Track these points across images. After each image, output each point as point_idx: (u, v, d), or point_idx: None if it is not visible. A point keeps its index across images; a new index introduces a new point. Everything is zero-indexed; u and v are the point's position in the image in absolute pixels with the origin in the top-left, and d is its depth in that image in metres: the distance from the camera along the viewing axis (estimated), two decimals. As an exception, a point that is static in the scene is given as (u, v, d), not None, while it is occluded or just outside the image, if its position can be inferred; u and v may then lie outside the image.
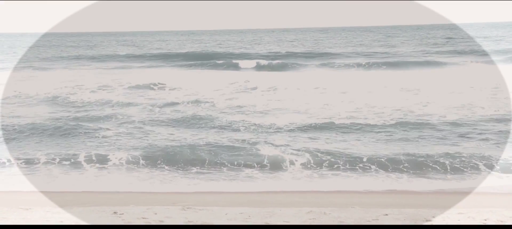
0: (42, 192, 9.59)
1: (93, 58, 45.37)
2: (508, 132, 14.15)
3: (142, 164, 11.79)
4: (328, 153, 12.46)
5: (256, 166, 11.59)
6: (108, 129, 15.19)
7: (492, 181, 10.44)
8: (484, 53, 37.09)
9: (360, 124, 15.65)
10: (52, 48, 62.20)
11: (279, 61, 36.50)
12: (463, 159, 11.62)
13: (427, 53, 40.03)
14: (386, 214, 7.38)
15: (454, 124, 15.23)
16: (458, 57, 35.63)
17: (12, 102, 21.14)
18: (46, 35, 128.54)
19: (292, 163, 11.76)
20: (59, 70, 35.22)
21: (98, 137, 14.22)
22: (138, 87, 24.56)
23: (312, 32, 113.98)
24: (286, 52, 44.35)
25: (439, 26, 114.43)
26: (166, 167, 11.56)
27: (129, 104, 20.04)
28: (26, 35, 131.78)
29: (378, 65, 33.20)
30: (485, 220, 7.02)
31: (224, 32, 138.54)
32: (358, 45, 56.94)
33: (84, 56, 47.16)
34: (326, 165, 11.57)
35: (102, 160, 11.98)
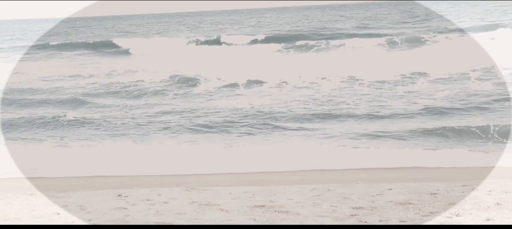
0: (45, 178, 9.63)
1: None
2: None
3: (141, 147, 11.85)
4: (330, 131, 12.47)
5: (260, 145, 11.66)
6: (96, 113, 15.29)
7: (498, 153, 10.41)
8: (459, 29, 36.74)
9: (362, 103, 15.65)
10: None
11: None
12: (467, 132, 11.61)
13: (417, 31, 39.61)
14: (390, 189, 7.37)
15: (460, 97, 15.19)
16: (448, 32, 35.39)
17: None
18: (65, 21, 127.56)
19: (295, 142, 11.81)
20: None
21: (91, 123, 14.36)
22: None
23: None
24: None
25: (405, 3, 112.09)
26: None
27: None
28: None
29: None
30: (490, 191, 7.01)
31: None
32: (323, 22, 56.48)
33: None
34: (330, 143, 11.58)
35: (102, 145, 12.10)
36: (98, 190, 7.94)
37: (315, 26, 51.42)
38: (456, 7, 69.66)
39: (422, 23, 46.97)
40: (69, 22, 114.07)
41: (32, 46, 44.59)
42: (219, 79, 20.57)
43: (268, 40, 38.35)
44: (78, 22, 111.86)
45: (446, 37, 32.70)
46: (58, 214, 6.53)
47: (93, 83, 22.00)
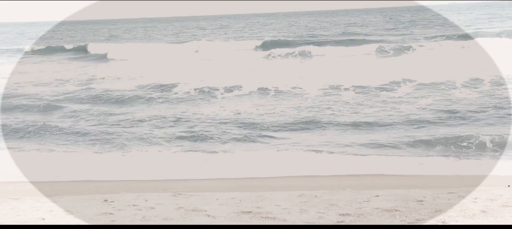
0: (31, 182, 9.54)
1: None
2: (499, 113, 14.26)
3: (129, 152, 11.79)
4: (316, 138, 12.49)
5: (247, 151, 11.65)
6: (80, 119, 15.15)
7: (484, 161, 10.49)
8: (445, 35, 37.03)
9: (350, 111, 15.70)
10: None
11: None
12: (453, 140, 11.68)
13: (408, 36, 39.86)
14: (377, 196, 7.39)
15: (446, 106, 15.28)
16: (433, 39, 35.68)
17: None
18: (61, 24, 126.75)
19: (282, 148, 11.82)
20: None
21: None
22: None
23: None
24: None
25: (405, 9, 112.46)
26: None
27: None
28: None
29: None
30: (476, 199, 7.05)
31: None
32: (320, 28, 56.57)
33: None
34: (316, 149, 11.60)
35: (88, 150, 12.01)
36: (84, 195, 7.89)
37: (300, 32, 51.61)
38: (442, 13, 70.37)
39: (408, 29, 47.36)
40: (55, 26, 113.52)
41: (8, 50, 44.51)
42: (199, 85, 20.47)
43: (253, 45, 38.44)
44: (63, 27, 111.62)
45: (434, 43, 32.95)
46: (43, 219, 6.47)
47: (71, 89, 21.80)
